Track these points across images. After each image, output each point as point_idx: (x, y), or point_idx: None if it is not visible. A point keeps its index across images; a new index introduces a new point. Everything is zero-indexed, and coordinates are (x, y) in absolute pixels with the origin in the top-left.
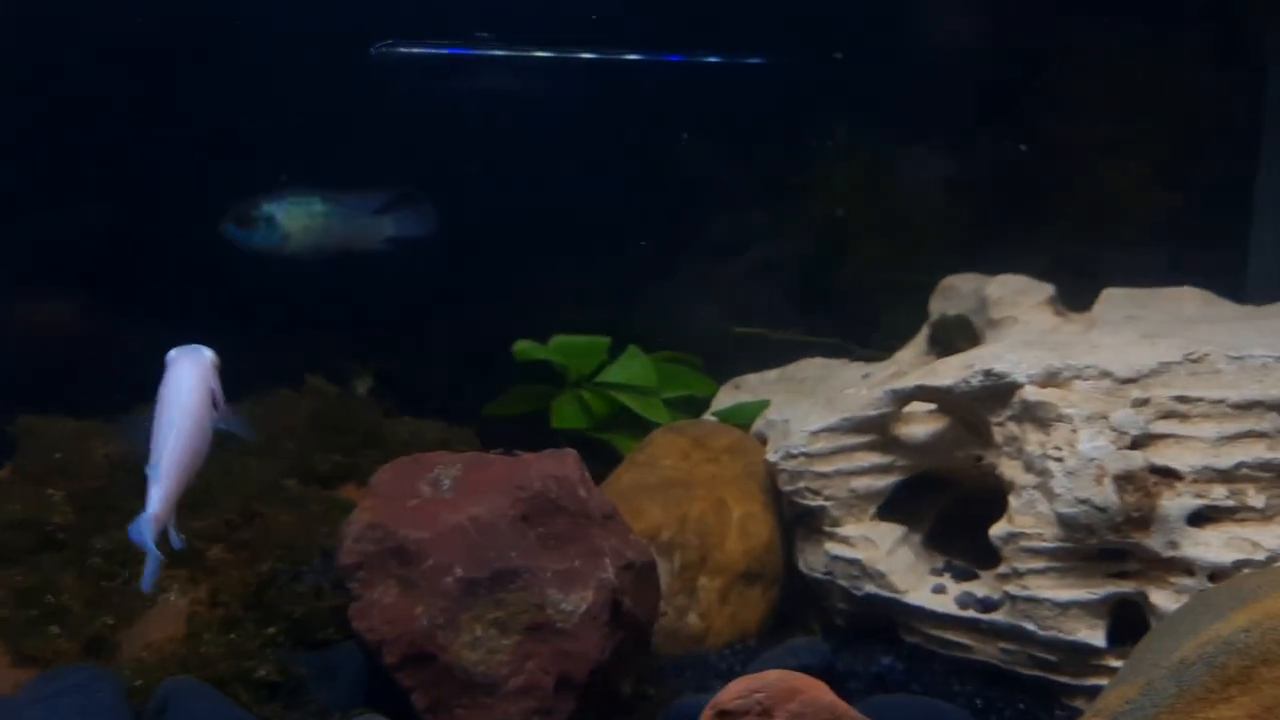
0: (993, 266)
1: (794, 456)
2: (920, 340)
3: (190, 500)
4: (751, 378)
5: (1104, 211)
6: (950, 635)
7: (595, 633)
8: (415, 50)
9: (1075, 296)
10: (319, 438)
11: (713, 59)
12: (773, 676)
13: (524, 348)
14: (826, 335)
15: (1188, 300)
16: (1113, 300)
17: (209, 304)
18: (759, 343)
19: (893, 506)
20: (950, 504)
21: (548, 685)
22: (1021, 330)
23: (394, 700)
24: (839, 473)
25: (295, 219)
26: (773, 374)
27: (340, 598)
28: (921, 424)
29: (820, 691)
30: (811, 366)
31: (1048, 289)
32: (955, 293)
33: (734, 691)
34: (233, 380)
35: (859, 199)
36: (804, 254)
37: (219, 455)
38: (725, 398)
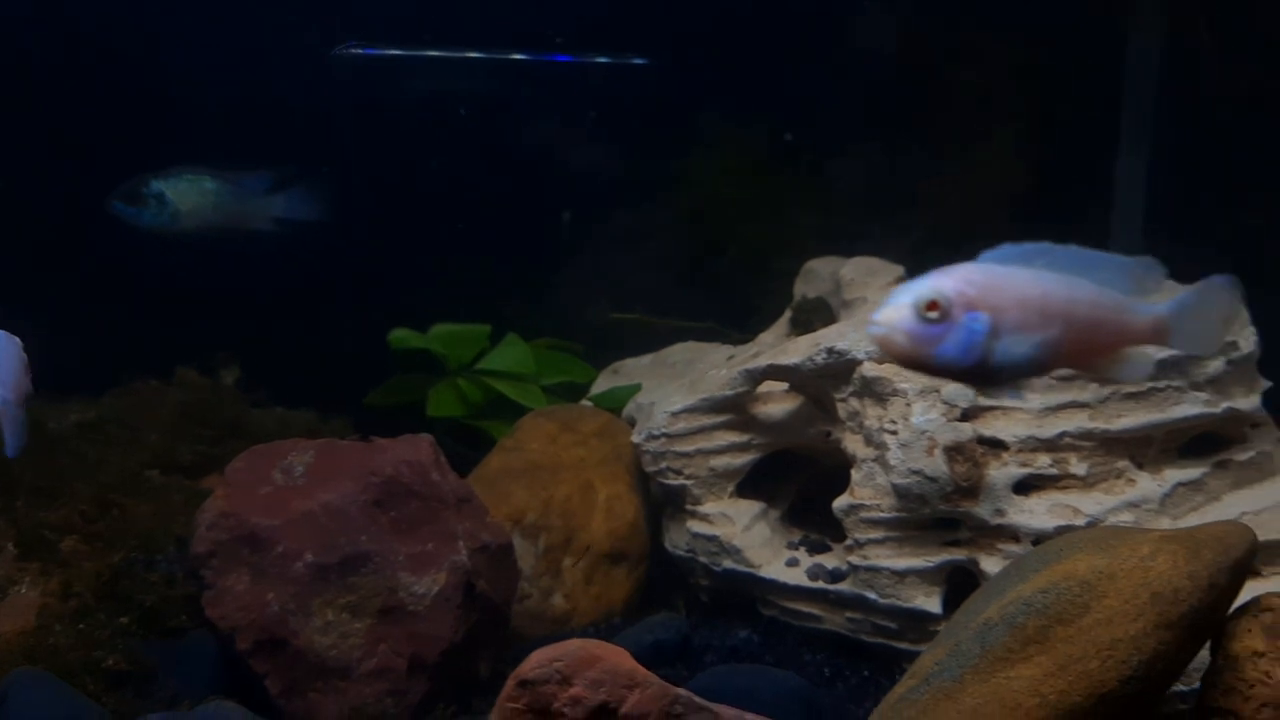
0: (866, 249)
1: (656, 438)
2: (783, 323)
3: (45, 491)
4: (628, 362)
5: (969, 195)
6: (802, 607)
7: (448, 614)
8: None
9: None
10: (184, 429)
11: (599, 59)
12: (573, 645)
13: (400, 336)
14: (703, 320)
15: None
16: None
17: (72, 291)
18: (641, 329)
19: (753, 484)
20: (808, 481)
21: (401, 667)
22: (870, 309)
23: (248, 686)
24: (699, 452)
25: (185, 196)
26: (647, 359)
27: (193, 586)
28: (778, 404)
29: (620, 659)
30: (684, 351)
31: (897, 270)
32: (815, 275)
33: (534, 661)
34: (100, 370)
35: (735, 187)
36: (682, 241)
37: (76, 445)
38: (604, 383)
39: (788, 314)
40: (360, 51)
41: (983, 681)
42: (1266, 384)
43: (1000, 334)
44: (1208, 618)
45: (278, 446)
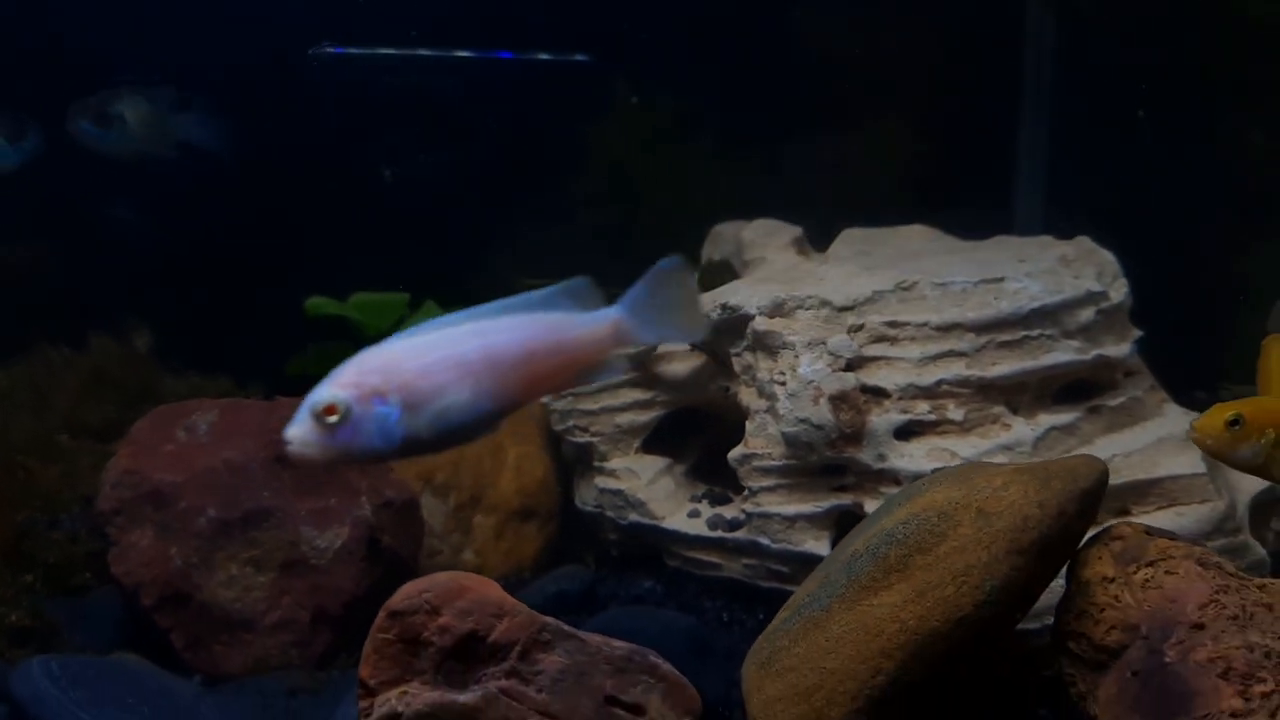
0: (780, 215)
1: (563, 396)
2: None
3: None
4: None
5: (872, 164)
6: (703, 556)
7: (351, 568)
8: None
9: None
10: (95, 394)
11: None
12: (443, 577)
13: (317, 303)
14: (618, 287)
15: (916, 236)
16: (849, 239)
17: None
18: None
19: (660, 441)
20: (713, 437)
21: (304, 620)
22: (767, 268)
23: (153, 641)
24: (605, 410)
25: (138, 115)
26: None
27: (98, 544)
28: (681, 362)
29: (488, 589)
30: None
31: (794, 231)
32: (721, 239)
33: (404, 593)
34: (10, 338)
35: (649, 154)
36: (596, 210)
37: None
38: None
39: (695, 277)
40: (329, 51)
41: (848, 610)
42: (1138, 333)
43: (420, 407)
44: (1059, 545)
45: (182, 406)
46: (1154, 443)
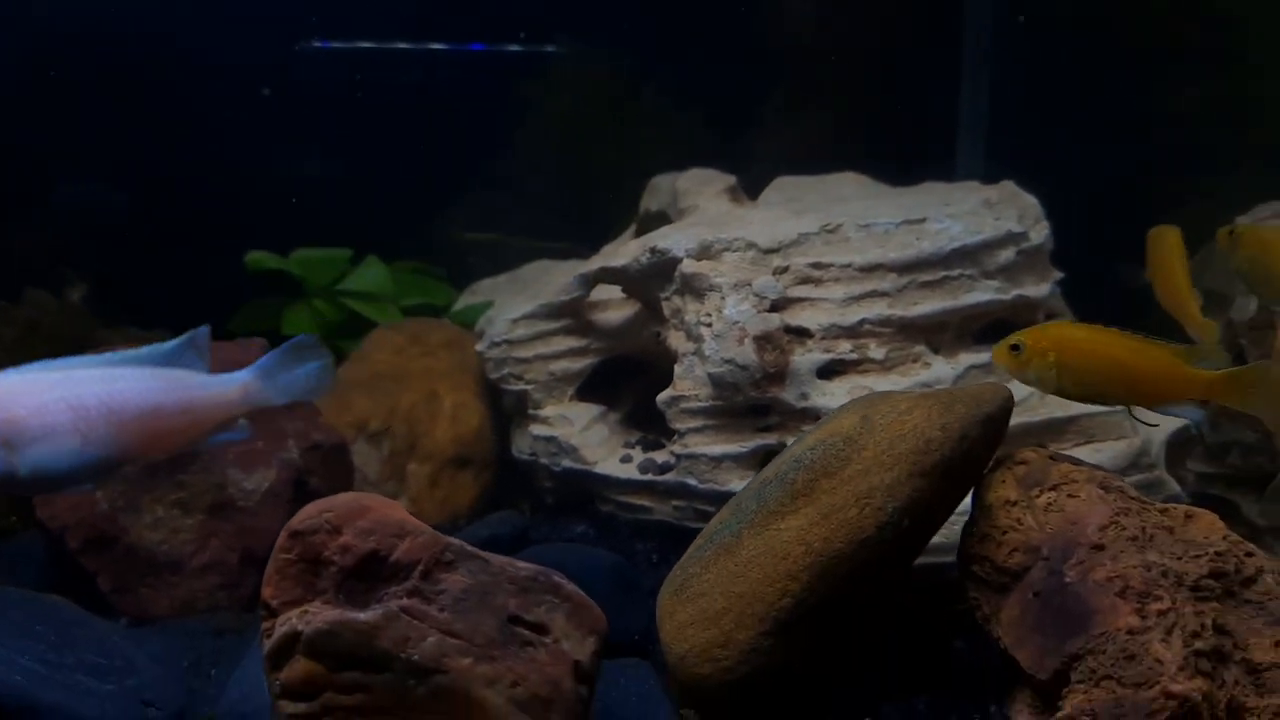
0: (725, 169)
1: (497, 344)
2: (627, 236)
3: None
4: (485, 282)
5: (813, 120)
6: (634, 499)
7: (279, 510)
8: None
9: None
10: (30, 346)
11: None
12: (344, 498)
13: (257, 258)
14: (561, 240)
15: (847, 184)
16: (781, 186)
17: None
18: (500, 250)
19: (595, 389)
20: (649, 386)
21: (232, 561)
22: (700, 215)
23: (80, 584)
24: (539, 357)
25: None
26: (503, 277)
27: None
28: (615, 310)
29: (391, 510)
30: (538, 268)
31: (728, 179)
32: (658, 189)
33: (305, 513)
34: None
35: (590, 112)
36: (540, 165)
37: None
38: (463, 303)
39: (633, 227)
40: None
41: (757, 535)
42: (1058, 275)
43: (23, 446)
44: (962, 468)
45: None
46: None
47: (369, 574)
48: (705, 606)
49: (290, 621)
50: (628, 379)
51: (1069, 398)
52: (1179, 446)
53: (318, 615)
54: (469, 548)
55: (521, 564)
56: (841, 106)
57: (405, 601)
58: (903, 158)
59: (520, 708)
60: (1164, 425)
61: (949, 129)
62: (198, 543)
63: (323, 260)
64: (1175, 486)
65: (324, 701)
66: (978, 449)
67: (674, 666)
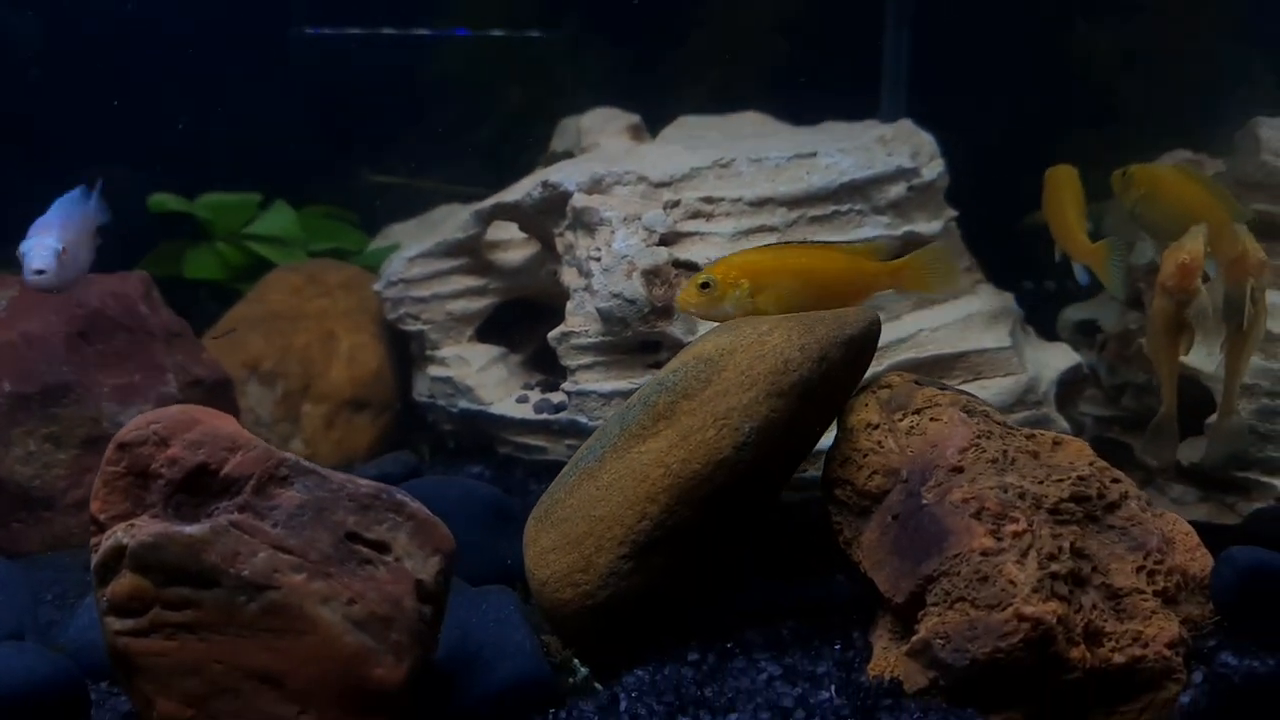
0: (644, 113)
1: (394, 284)
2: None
3: None
4: (396, 227)
5: (729, 64)
6: (530, 440)
7: None
8: None
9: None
10: None
11: None
12: (173, 410)
13: (159, 200)
14: (474, 185)
15: (748, 122)
16: (682, 124)
17: None
18: (423, 196)
19: (497, 332)
20: (551, 329)
21: None
22: (600, 152)
23: None
24: (436, 297)
25: None
26: (413, 222)
27: None
28: (515, 250)
29: (222, 422)
30: (447, 212)
31: (631, 118)
32: (565, 130)
33: (132, 425)
34: None
35: (504, 51)
36: (452, 107)
37: None
38: (374, 248)
39: (539, 169)
40: None
41: (619, 458)
42: (952, 213)
43: None
44: (823, 390)
45: None
46: (962, 319)
47: (199, 488)
48: (567, 531)
49: (115, 535)
50: (531, 323)
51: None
52: (1070, 385)
53: (143, 528)
54: (306, 463)
55: (364, 481)
56: (765, 51)
57: (236, 516)
58: (825, 109)
59: (357, 626)
60: (1052, 363)
61: (872, 77)
62: (71, 478)
63: (231, 204)
64: (1064, 425)
65: (152, 618)
66: (839, 371)
67: (537, 593)
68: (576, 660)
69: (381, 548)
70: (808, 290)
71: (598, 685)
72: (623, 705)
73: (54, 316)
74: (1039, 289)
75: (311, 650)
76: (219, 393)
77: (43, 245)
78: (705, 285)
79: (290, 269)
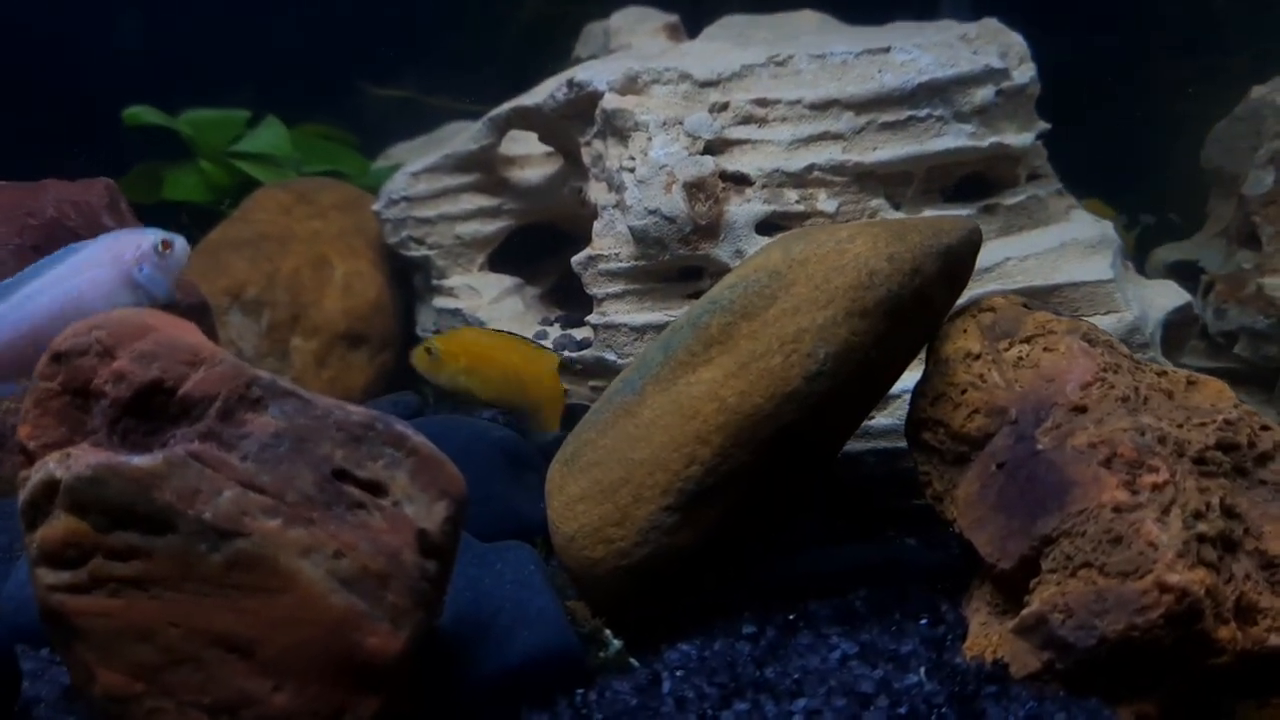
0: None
1: (395, 202)
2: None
3: None
4: (400, 146)
5: None
6: None
7: None
8: None
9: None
10: None
11: None
12: (122, 312)
13: (135, 113)
14: (489, 103)
15: (803, 20)
16: (728, 24)
17: None
18: (428, 113)
19: (513, 262)
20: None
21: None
22: (633, 52)
23: None
24: (443, 218)
25: None
26: (419, 140)
27: None
28: (534, 167)
29: (182, 330)
30: (457, 130)
31: (667, 17)
32: (591, 35)
33: (71, 330)
34: None
35: None
36: (466, 14)
37: None
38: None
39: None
40: None
41: (663, 391)
42: (1043, 125)
43: None
44: (914, 310)
45: None
46: (1056, 247)
47: (152, 411)
48: (599, 477)
49: (47, 467)
50: (553, 251)
51: (476, 401)
52: (1179, 327)
53: (81, 459)
54: (285, 383)
55: (356, 408)
56: None
57: (196, 446)
58: (887, 10)
59: (346, 584)
60: (1158, 302)
61: None
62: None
63: (216, 121)
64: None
65: (92, 570)
66: (933, 288)
67: (562, 550)
68: (608, 631)
69: (376, 489)
70: (503, 385)
71: (634, 661)
72: (666, 686)
73: (4, 228)
74: (1133, 224)
75: (289, 612)
76: (195, 319)
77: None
78: (429, 351)
79: (279, 186)
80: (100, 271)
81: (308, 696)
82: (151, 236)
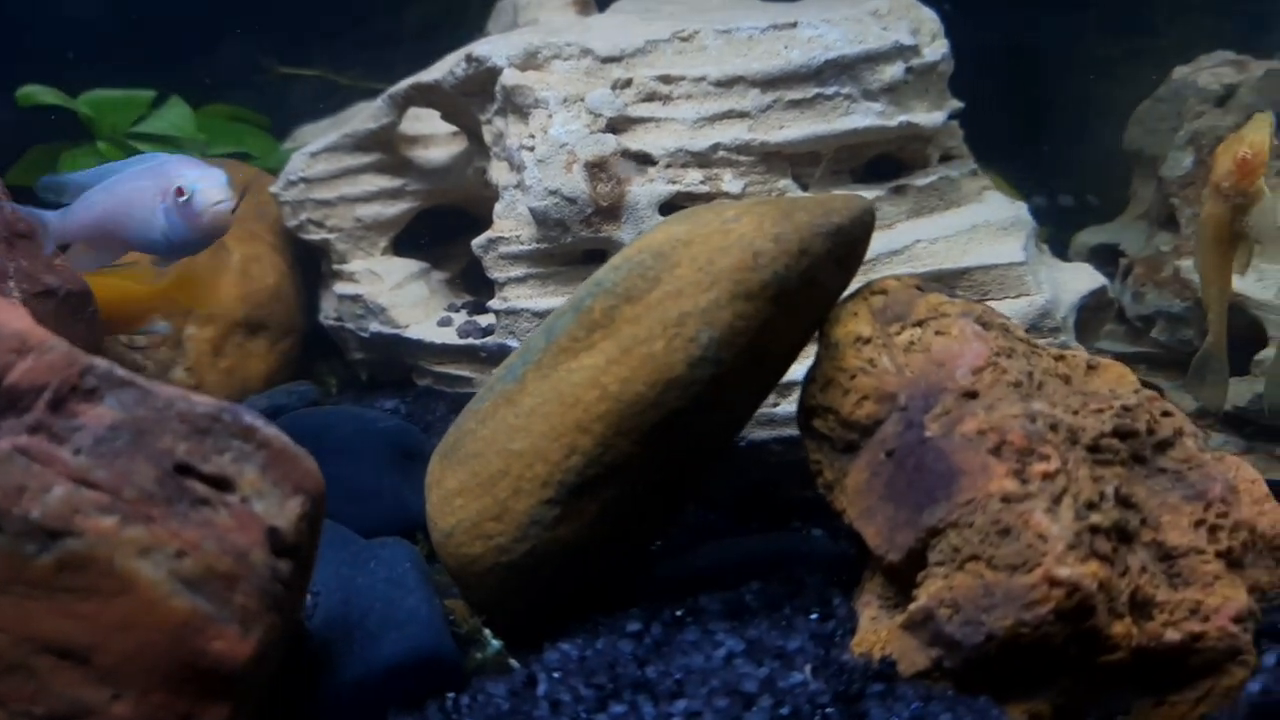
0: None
1: (293, 184)
2: None
3: None
4: (306, 128)
5: None
6: (453, 369)
7: None
8: None
9: None
10: None
11: None
12: None
13: (29, 93)
14: (395, 78)
15: None
16: None
17: None
18: (340, 92)
19: (418, 246)
20: None
21: None
22: (540, 26)
23: None
24: (343, 199)
25: None
26: (325, 122)
27: None
28: (441, 146)
29: (9, 315)
30: (362, 109)
31: None
32: (502, 11)
33: None
34: None
35: None
36: None
37: None
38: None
39: None
40: None
41: (544, 378)
42: (956, 103)
43: None
44: (802, 293)
45: None
46: (967, 229)
47: None
48: (478, 470)
49: None
50: (460, 234)
51: None
52: (1094, 311)
53: None
54: (122, 372)
55: (201, 399)
56: None
57: (23, 439)
58: None
59: (189, 585)
60: (1072, 285)
61: None
62: None
63: (118, 101)
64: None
65: None
66: (823, 270)
67: (440, 546)
68: (487, 631)
69: (223, 484)
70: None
71: (513, 662)
72: (541, 689)
73: None
74: (1052, 206)
75: (127, 616)
76: (76, 306)
77: (212, 174)
78: None
79: None
80: (144, 192)
81: (150, 705)
82: (181, 176)
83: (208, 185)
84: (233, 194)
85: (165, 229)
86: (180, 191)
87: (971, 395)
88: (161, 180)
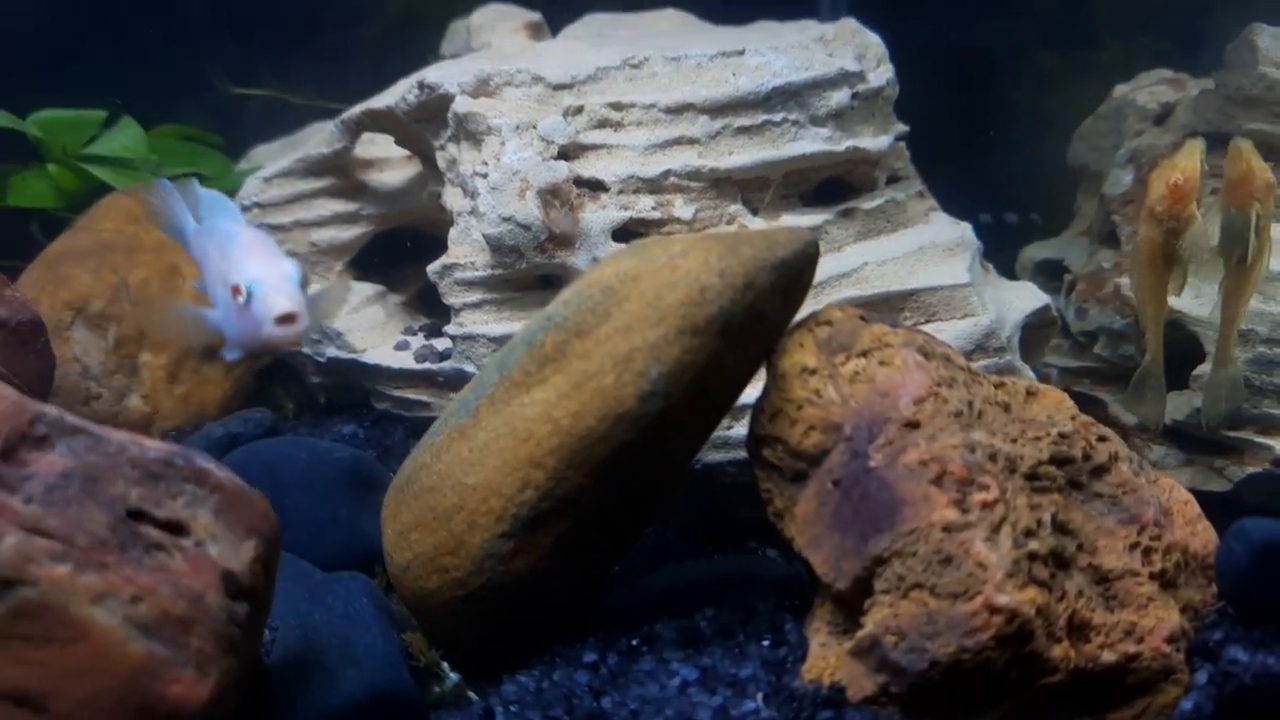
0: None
1: (247, 209)
2: None
3: None
4: (260, 149)
5: None
6: (411, 394)
7: None
8: None
9: None
10: None
11: None
12: None
13: None
14: (352, 102)
15: (665, 21)
16: (590, 22)
17: None
18: (294, 112)
19: (375, 268)
20: None
21: None
22: (492, 51)
23: None
24: (298, 224)
25: None
26: (278, 143)
27: None
28: (395, 170)
29: None
30: (319, 132)
31: (529, 15)
32: (455, 33)
33: None
34: None
35: None
36: (330, 8)
37: None
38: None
39: None
40: None
41: (497, 412)
42: (901, 127)
43: None
44: (749, 326)
45: None
46: (914, 251)
47: None
48: (433, 504)
49: None
50: (416, 257)
51: None
52: (1038, 329)
53: None
54: (73, 419)
55: (153, 443)
56: None
57: None
58: (755, 9)
59: (144, 631)
60: (1017, 304)
61: None
62: None
63: (68, 122)
64: (1031, 376)
65: None
66: (770, 303)
67: (397, 580)
68: (445, 664)
69: (177, 529)
70: None
71: (471, 695)
72: None
73: None
74: (998, 223)
75: (82, 663)
76: (27, 338)
77: (283, 273)
78: None
79: (127, 193)
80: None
81: None
82: (240, 271)
83: (269, 289)
84: (303, 296)
85: (225, 322)
86: (237, 290)
87: (914, 425)
88: (223, 265)
